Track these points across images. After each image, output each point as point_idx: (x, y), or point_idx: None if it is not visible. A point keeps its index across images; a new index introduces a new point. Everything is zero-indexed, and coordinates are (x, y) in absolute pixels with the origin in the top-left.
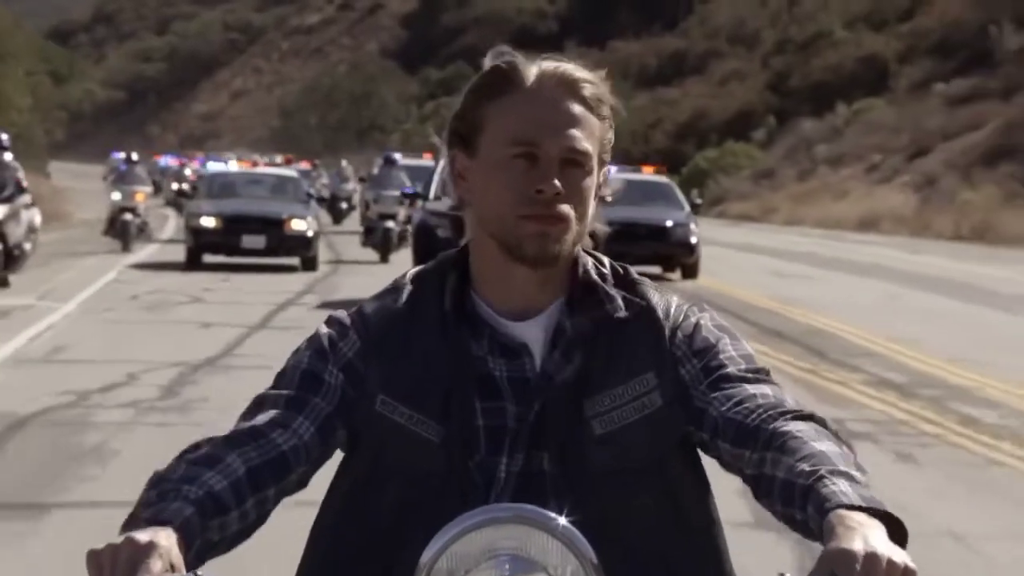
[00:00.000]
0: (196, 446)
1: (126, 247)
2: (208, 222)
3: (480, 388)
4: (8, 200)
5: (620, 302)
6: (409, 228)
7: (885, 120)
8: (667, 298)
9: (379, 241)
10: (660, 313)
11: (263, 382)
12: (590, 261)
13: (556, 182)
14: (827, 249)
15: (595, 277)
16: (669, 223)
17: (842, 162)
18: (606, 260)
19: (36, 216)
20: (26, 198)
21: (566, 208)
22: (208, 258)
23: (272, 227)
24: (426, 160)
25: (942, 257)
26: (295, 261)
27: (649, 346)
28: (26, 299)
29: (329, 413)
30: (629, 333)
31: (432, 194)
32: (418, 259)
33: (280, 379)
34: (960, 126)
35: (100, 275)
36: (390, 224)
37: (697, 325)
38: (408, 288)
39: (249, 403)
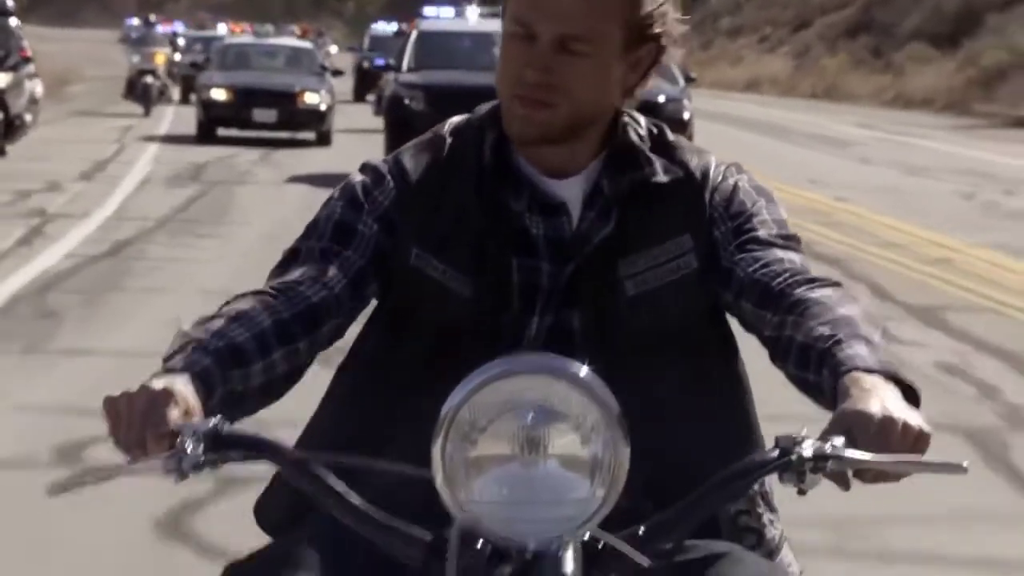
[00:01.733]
0: (226, 303)
1: (147, 111)
2: (219, 94)
3: (516, 245)
4: (12, 68)
5: (659, 166)
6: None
7: None
8: (705, 159)
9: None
10: (698, 175)
11: None
12: (630, 122)
13: (541, 68)
14: (712, 106)
15: (634, 139)
16: (661, 98)
17: (740, 33)
18: (643, 120)
19: (38, 87)
20: (30, 68)
21: (552, 95)
22: (221, 131)
23: (284, 100)
24: None
25: (783, 110)
26: (310, 135)
27: (686, 208)
28: None
29: (362, 266)
30: (666, 195)
31: (405, 66)
32: (391, 131)
33: (312, 230)
34: (835, 3)
35: None
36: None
37: (735, 187)
38: (447, 140)
39: (281, 256)
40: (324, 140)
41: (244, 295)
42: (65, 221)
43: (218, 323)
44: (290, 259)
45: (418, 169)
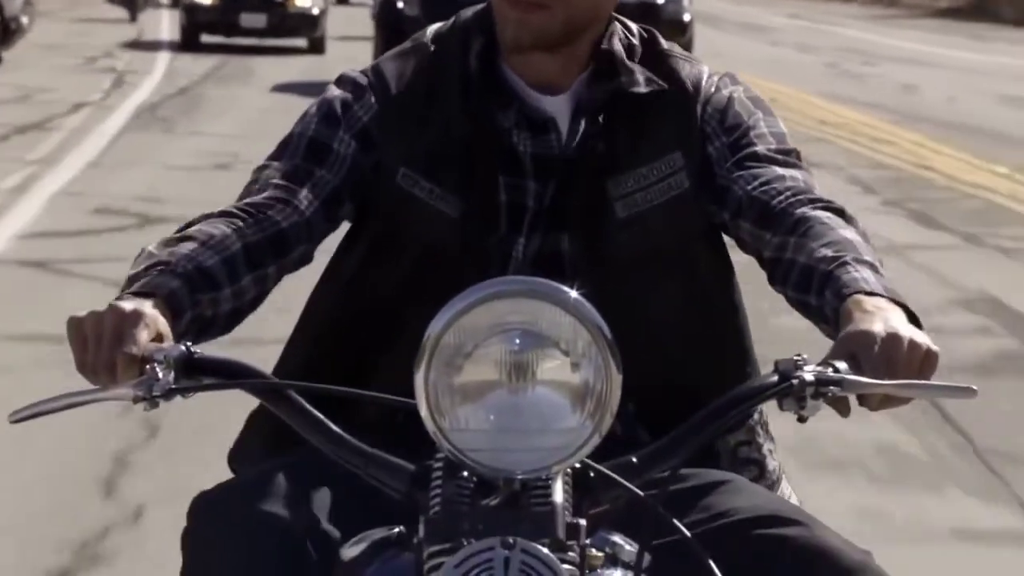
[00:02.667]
0: (189, 224)
1: (133, 16)
2: None
3: (504, 162)
4: None
5: (639, 76)
6: None
7: None
8: (697, 69)
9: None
10: (690, 86)
11: None
12: (619, 30)
13: None
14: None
15: (617, 48)
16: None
17: None
18: (635, 28)
19: None
20: None
21: None
22: (206, 38)
23: (273, 4)
24: None
25: (728, 3)
26: (301, 42)
27: (677, 123)
28: None
29: (336, 186)
30: (655, 109)
31: None
32: (382, 38)
33: (284, 148)
34: None
35: None
36: None
37: (730, 99)
38: (430, 48)
39: (251, 175)
40: (317, 47)
41: (211, 215)
42: (134, 76)
43: (186, 245)
44: (261, 178)
45: (400, 80)
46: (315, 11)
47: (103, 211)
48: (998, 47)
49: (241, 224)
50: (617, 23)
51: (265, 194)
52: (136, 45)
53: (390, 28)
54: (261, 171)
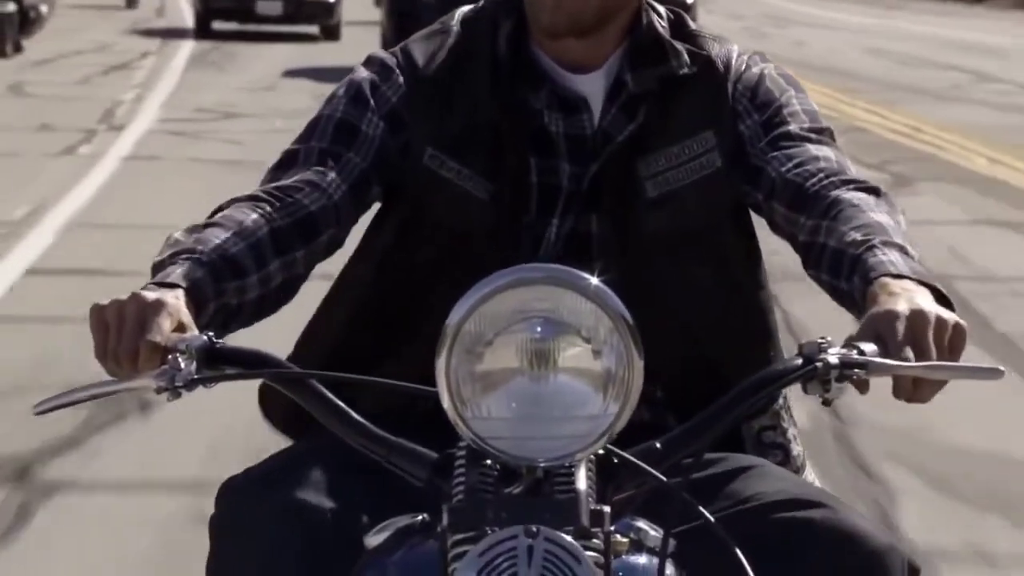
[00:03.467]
0: (217, 209)
1: (131, 2)
2: None
3: (535, 144)
4: None
5: (686, 57)
6: None
7: None
8: (727, 48)
9: None
10: (720, 65)
11: None
12: (651, 11)
13: None
14: None
15: (660, 29)
16: None
17: None
18: (662, 9)
19: None
20: None
21: None
22: (218, 25)
23: None
24: None
25: None
26: (314, 29)
27: (709, 102)
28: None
29: (364, 168)
30: (688, 89)
31: None
32: (393, 23)
33: (312, 129)
34: None
35: None
36: None
37: (761, 76)
38: (456, 30)
39: (278, 157)
40: (332, 34)
41: (238, 200)
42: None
43: (212, 232)
44: (289, 161)
45: (429, 61)
46: None
47: (200, 110)
48: (898, 14)
49: (269, 208)
50: (648, 5)
51: (294, 177)
52: (149, 32)
53: (402, 14)
54: (289, 154)
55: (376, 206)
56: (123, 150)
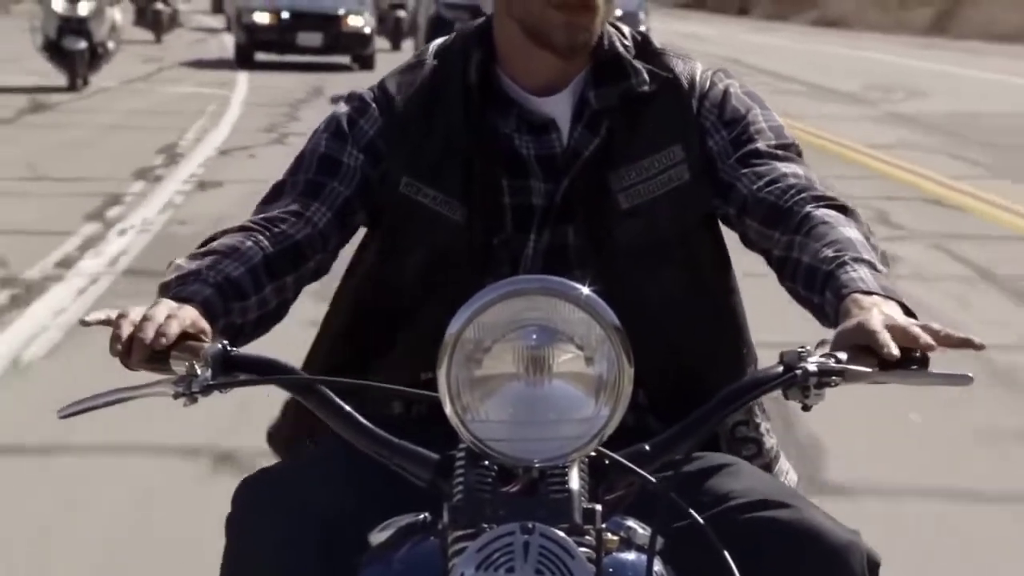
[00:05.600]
0: (212, 238)
1: (158, 38)
2: (262, 18)
3: (507, 166)
4: None
5: (645, 75)
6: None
7: None
8: (691, 66)
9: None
10: (685, 83)
11: None
12: (612, 31)
13: None
14: None
15: (620, 48)
16: (618, 12)
17: None
18: (626, 30)
19: (117, 14)
20: None
21: None
22: (259, 56)
23: (329, 24)
24: None
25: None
26: (345, 60)
27: (675, 118)
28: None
29: (348, 196)
30: (654, 105)
31: None
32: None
33: (299, 164)
34: None
35: None
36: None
37: (726, 93)
38: (431, 63)
39: (267, 190)
40: (367, 64)
41: (231, 230)
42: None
43: (212, 258)
44: (277, 193)
45: (404, 94)
46: (367, 30)
47: (274, 121)
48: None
49: (260, 237)
50: (611, 27)
51: (280, 209)
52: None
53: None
54: (277, 186)
55: (362, 230)
56: None
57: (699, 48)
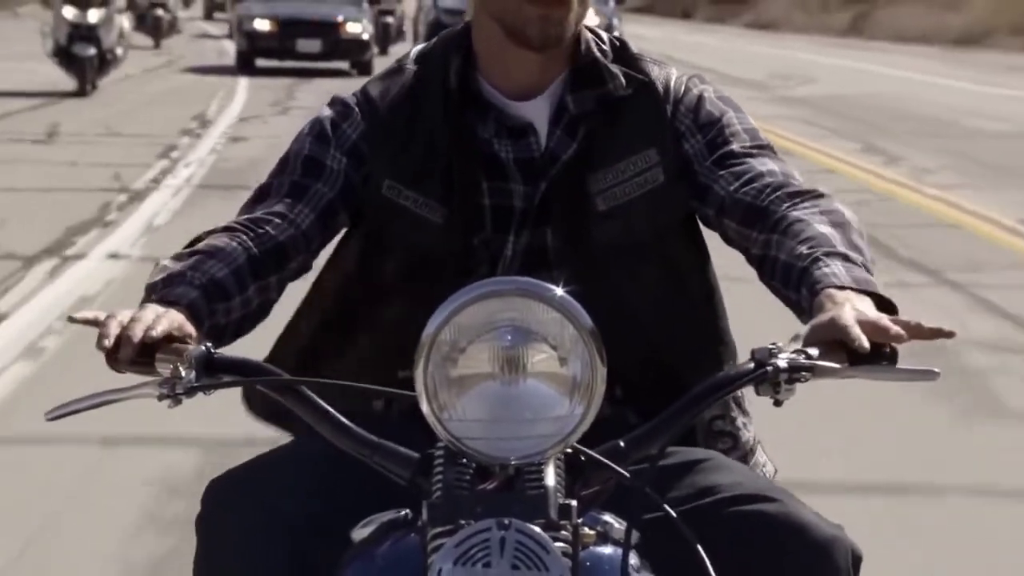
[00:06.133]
0: (198, 238)
1: (157, 43)
2: (262, 25)
3: (486, 169)
4: (103, 4)
5: (622, 79)
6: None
7: None
8: (666, 72)
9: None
10: (660, 87)
11: None
12: (591, 37)
13: None
14: None
15: (597, 54)
16: (595, 20)
17: None
18: (604, 35)
19: (125, 22)
20: (120, 2)
21: None
22: (259, 62)
23: (328, 30)
24: None
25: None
26: (344, 65)
27: (650, 122)
28: None
29: (331, 198)
30: (630, 109)
31: None
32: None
33: (283, 166)
34: None
35: None
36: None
37: (700, 98)
38: (412, 68)
39: (253, 192)
40: (365, 70)
41: (215, 231)
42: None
43: (200, 259)
44: (262, 195)
45: (386, 99)
46: (365, 36)
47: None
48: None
49: (244, 238)
50: (589, 32)
51: (264, 210)
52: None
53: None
54: (262, 188)
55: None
56: None
57: (641, 47)
